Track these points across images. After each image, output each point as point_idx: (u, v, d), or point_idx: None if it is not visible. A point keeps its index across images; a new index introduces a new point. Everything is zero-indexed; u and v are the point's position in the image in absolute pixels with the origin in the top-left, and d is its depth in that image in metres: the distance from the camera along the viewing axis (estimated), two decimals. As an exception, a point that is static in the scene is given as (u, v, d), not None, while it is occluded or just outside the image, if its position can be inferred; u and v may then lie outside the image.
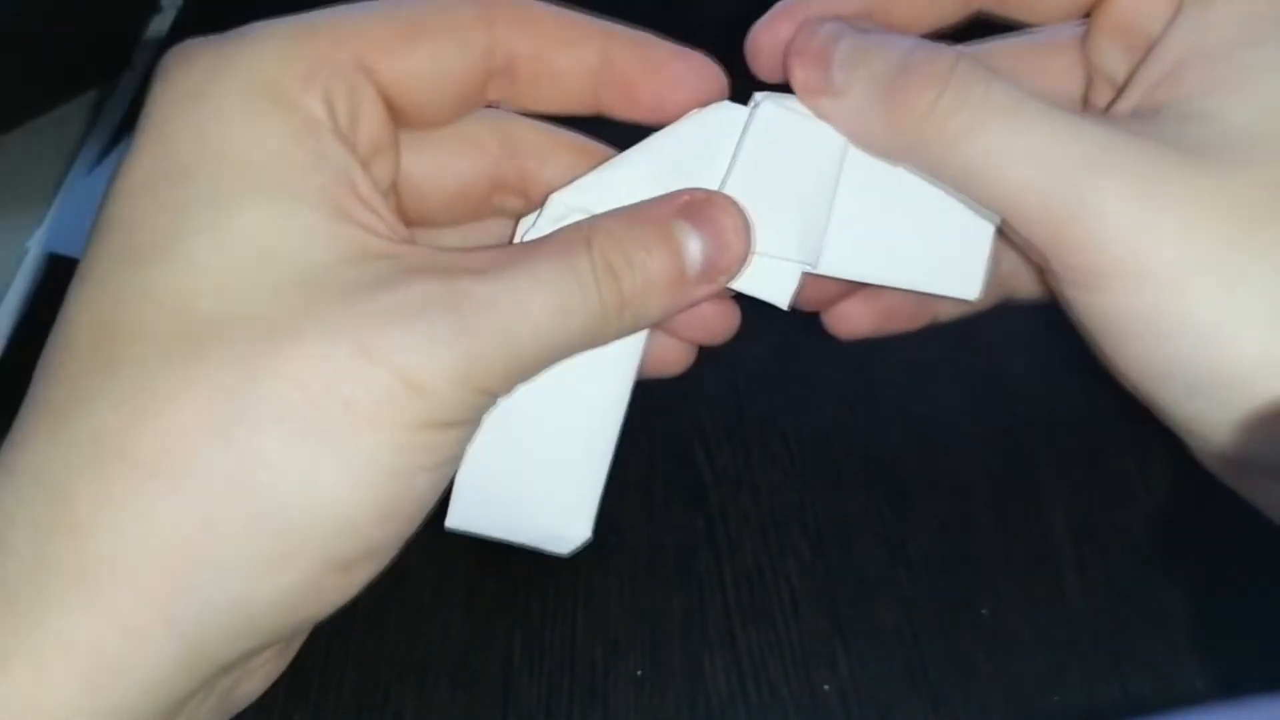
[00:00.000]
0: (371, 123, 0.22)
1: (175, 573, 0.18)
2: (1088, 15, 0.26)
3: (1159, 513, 0.35)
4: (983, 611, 0.34)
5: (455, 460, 0.21)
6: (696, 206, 0.23)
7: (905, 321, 0.28)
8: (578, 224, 0.22)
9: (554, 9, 0.23)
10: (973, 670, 0.33)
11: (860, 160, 0.24)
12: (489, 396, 0.20)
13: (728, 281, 0.23)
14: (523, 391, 0.21)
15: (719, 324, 0.25)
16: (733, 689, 0.33)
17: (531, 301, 0.20)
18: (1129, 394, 0.23)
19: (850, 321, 0.28)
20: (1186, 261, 0.20)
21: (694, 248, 0.22)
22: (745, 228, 0.23)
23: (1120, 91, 0.24)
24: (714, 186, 0.23)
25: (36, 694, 0.18)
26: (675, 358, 0.27)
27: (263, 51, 0.20)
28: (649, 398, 0.39)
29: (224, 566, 0.19)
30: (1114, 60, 0.25)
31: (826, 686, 0.33)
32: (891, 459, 0.38)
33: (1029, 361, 0.39)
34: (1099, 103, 0.26)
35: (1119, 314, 0.21)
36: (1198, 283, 0.20)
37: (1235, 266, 0.20)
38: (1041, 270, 0.24)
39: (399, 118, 0.22)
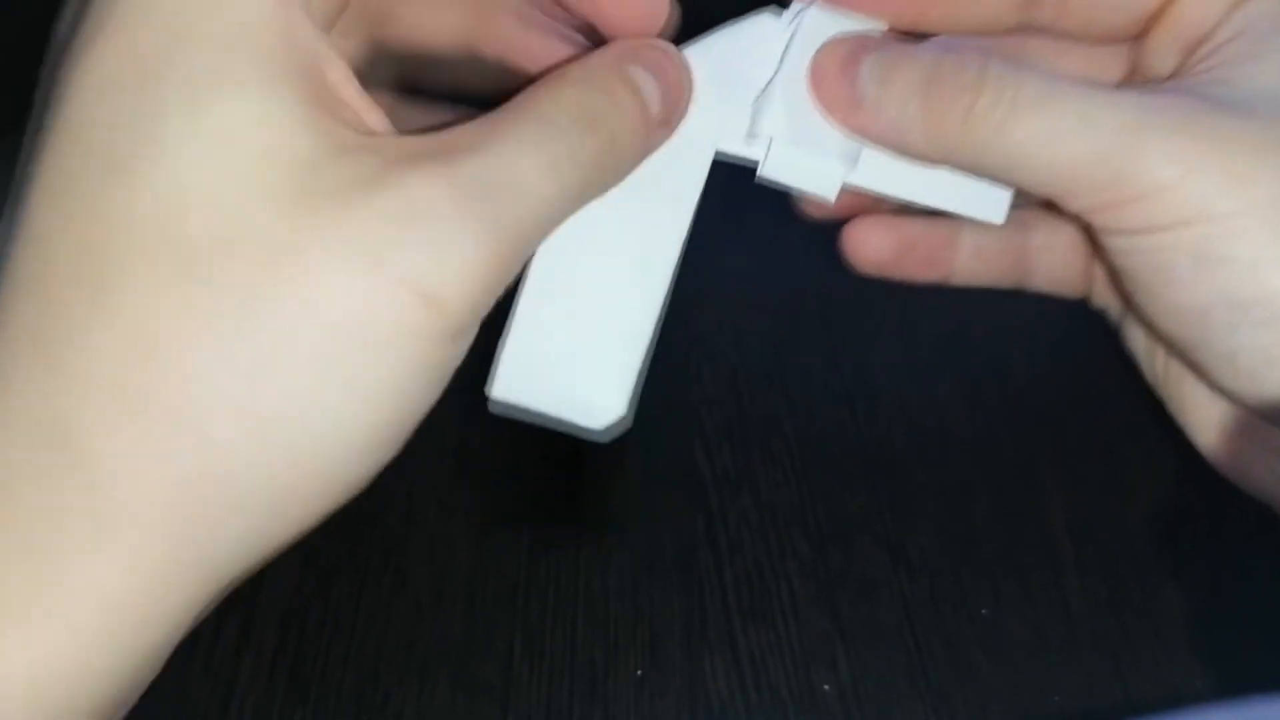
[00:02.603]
0: None
1: (193, 512, 0.18)
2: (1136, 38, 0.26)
3: (1159, 514, 0.35)
4: (983, 612, 0.34)
5: (450, 374, 0.20)
6: (640, 51, 0.22)
7: (922, 263, 0.28)
8: (541, 83, 0.21)
9: None
10: (972, 671, 0.33)
11: None
12: (495, 293, 0.19)
13: (679, 121, 0.23)
14: (571, 254, 0.21)
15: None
16: (733, 689, 0.33)
17: (531, 171, 0.19)
18: (1132, 395, 0.23)
19: (869, 246, 0.27)
20: (1233, 198, 0.21)
21: (650, 89, 0.22)
22: (685, 65, 0.23)
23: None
24: (759, 91, 0.24)
25: (61, 646, 0.17)
26: None
27: None
28: (649, 398, 0.39)
29: (241, 503, 0.18)
30: (1164, 57, 0.25)
31: (826, 686, 0.33)
32: (892, 460, 0.38)
33: (1029, 363, 0.39)
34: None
35: (1167, 252, 0.22)
36: (1244, 217, 0.21)
37: (1278, 203, 0.21)
38: (1067, 253, 0.26)
39: None
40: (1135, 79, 0.26)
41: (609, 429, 0.23)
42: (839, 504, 0.36)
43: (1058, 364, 0.39)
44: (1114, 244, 0.23)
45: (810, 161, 0.24)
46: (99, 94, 0.18)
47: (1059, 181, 0.22)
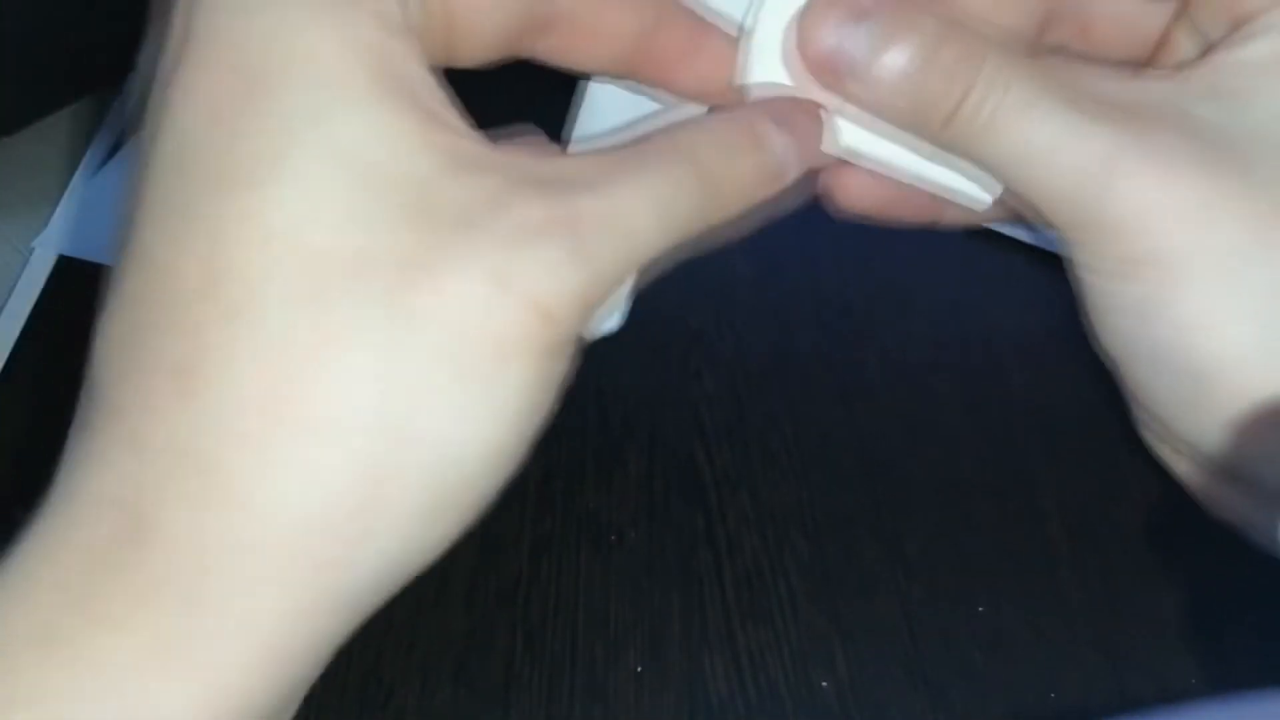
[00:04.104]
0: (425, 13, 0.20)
1: (346, 540, 0.17)
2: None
3: (1155, 511, 0.35)
4: (980, 609, 0.34)
5: (562, 383, 0.20)
6: (782, 111, 0.23)
7: (910, 211, 0.27)
8: (671, 130, 0.22)
9: None
10: (970, 668, 0.33)
11: None
12: (592, 316, 0.20)
13: (797, 175, 0.23)
14: None
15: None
16: (732, 686, 0.33)
17: (641, 215, 0.19)
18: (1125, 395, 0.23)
19: (850, 195, 0.26)
20: (1188, 250, 0.21)
21: (780, 148, 0.22)
22: (819, 122, 0.23)
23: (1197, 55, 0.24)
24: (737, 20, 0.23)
25: (219, 680, 0.17)
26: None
27: None
28: (649, 398, 0.39)
29: (391, 523, 0.17)
30: (1214, 29, 0.24)
31: (825, 684, 0.33)
32: (890, 458, 0.38)
33: (1027, 361, 0.40)
34: (1171, 58, 0.25)
35: (1116, 287, 0.22)
36: (1194, 270, 0.21)
37: (1241, 261, 0.21)
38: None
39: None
40: (1168, 52, 0.25)
41: (602, 334, 0.24)
42: (837, 503, 0.37)
43: (1055, 363, 0.39)
44: (1075, 262, 0.23)
45: None
46: (209, 112, 0.18)
47: (1031, 199, 0.22)
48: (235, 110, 0.17)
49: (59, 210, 0.50)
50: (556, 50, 0.22)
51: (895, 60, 0.22)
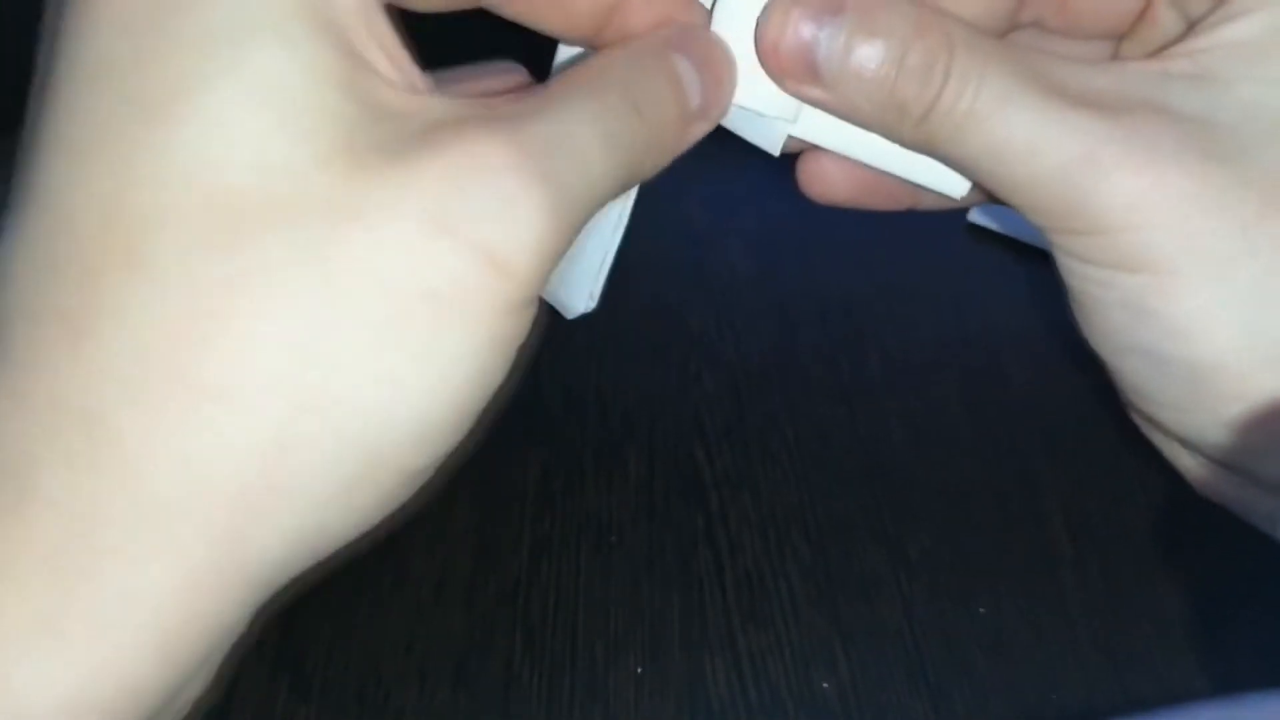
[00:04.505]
0: None
1: (246, 510, 0.16)
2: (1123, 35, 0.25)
3: (1157, 511, 0.35)
4: (981, 610, 0.34)
5: (519, 350, 0.18)
6: (688, 41, 0.21)
7: (884, 199, 0.26)
8: (588, 62, 0.20)
9: None
10: (971, 669, 0.33)
11: None
12: (555, 264, 0.18)
13: (720, 117, 0.22)
14: None
15: None
16: (732, 688, 0.33)
17: (585, 137, 0.18)
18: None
19: (825, 182, 0.25)
20: (1178, 254, 0.20)
21: (692, 81, 0.21)
22: (729, 57, 0.22)
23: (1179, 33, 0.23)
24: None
25: (99, 661, 0.15)
26: None
27: None
28: (649, 398, 0.39)
29: (299, 495, 0.16)
30: (1194, 3, 0.23)
31: (826, 685, 0.33)
32: (891, 459, 0.38)
33: (1028, 361, 0.40)
34: (1155, 30, 0.24)
35: (1104, 288, 0.21)
36: (1185, 275, 0.20)
37: (1229, 256, 0.20)
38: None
39: None
40: (1149, 25, 0.25)
41: (579, 314, 0.24)
42: (838, 504, 0.37)
43: (1057, 363, 0.39)
44: (1060, 259, 0.22)
45: (749, 112, 0.22)
46: (120, 30, 0.16)
47: (1012, 197, 0.22)
48: (150, 23, 0.16)
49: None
50: (519, 7, 0.21)
51: (863, 62, 0.21)
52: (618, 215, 0.24)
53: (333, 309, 0.16)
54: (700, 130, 0.21)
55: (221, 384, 0.15)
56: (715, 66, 0.21)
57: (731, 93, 0.22)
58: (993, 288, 0.42)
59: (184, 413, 0.15)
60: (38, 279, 0.16)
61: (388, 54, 0.17)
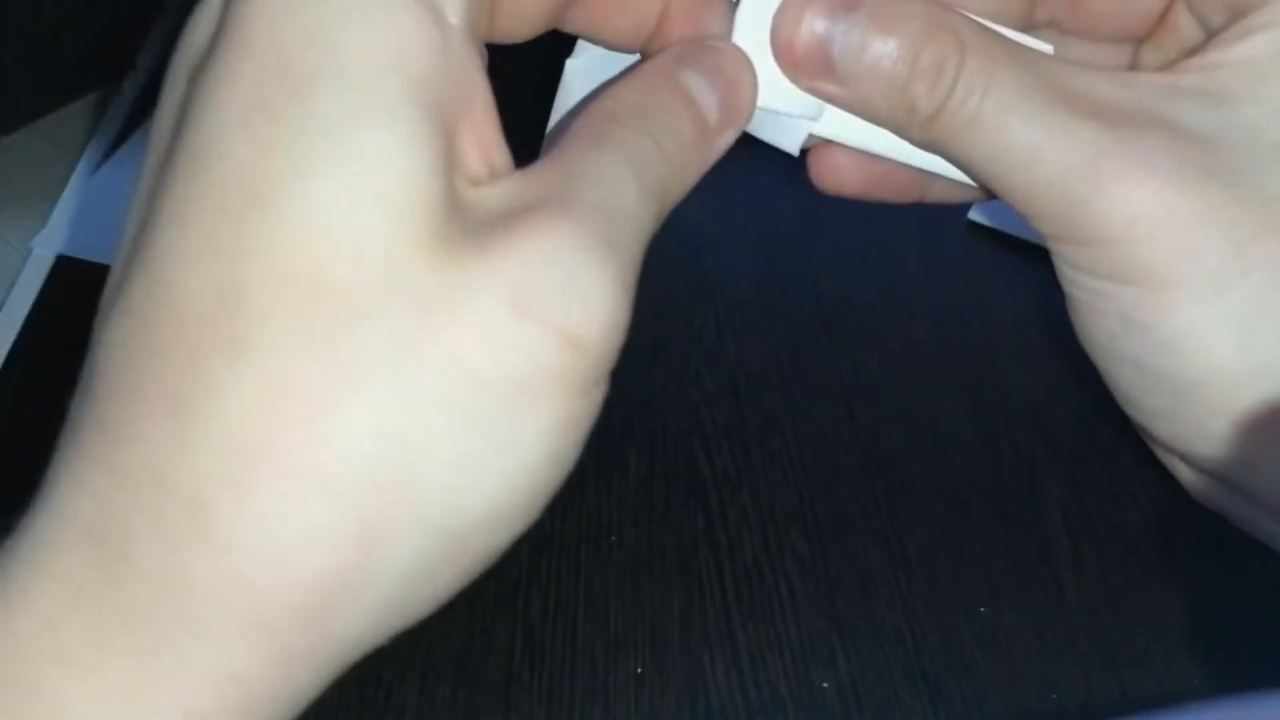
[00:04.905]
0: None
1: (333, 595, 0.16)
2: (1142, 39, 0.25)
3: (1156, 511, 0.35)
4: (981, 610, 0.34)
5: (592, 425, 0.18)
6: (697, 55, 0.21)
7: (893, 191, 0.26)
8: (596, 106, 0.20)
9: None
10: (971, 668, 0.33)
11: None
12: (624, 333, 0.18)
13: (746, 122, 0.22)
14: None
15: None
16: (732, 687, 0.33)
17: (625, 191, 0.18)
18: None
19: (837, 174, 0.25)
20: (1176, 269, 0.20)
21: (706, 94, 0.21)
22: (745, 61, 0.22)
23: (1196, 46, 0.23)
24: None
25: None
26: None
27: None
28: (649, 398, 0.39)
29: (384, 580, 0.16)
30: (1212, 13, 0.23)
31: (825, 684, 0.33)
32: (890, 458, 0.38)
33: (1027, 361, 0.39)
34: (1174, 36, 0.24)
35: (1101, 298, 0.21)
36: (1181, 291, 0.20)
37: (1225, 274, 0.20)
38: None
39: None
40: (1168, 31, 0.25)
41: None
42: (837, 503, 0.37)
43: (1056, 361, 0.39)
44: (1059, 266, 0.22)
45: (772, 113, 0.23)
46: (240, 113, 0.16)
47: (1014, 203, 0.22)
48: (266, 115, 0.16)
49: (58, 210, 0.50)
50: (588, 20, 0.21)
51: (878, 59, 0.21)
52: None
53: (422, 397, 0.16)
54: (726, 139, 0.21)
55: (310, 471, 0.16)
56: (730, 73, 0.21)
57: (753, 96, 0.22)
58: (993, 287, 0.42)
59: (276, 496, 0.16)
60: (141, 353, 0.16)
61: (487, 133, 0.18)
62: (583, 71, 0.24)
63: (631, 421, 0.39)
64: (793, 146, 0.23)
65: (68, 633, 0.16)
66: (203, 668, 0.16)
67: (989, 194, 0.24)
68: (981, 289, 0.42)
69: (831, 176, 0.25)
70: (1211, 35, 0.22)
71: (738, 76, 0.22)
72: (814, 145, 0.25)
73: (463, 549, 0.17)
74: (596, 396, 0.18)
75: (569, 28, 0.21)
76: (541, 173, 0.18)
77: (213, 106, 0.16)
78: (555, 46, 0.23)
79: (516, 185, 0.18)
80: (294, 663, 0.16)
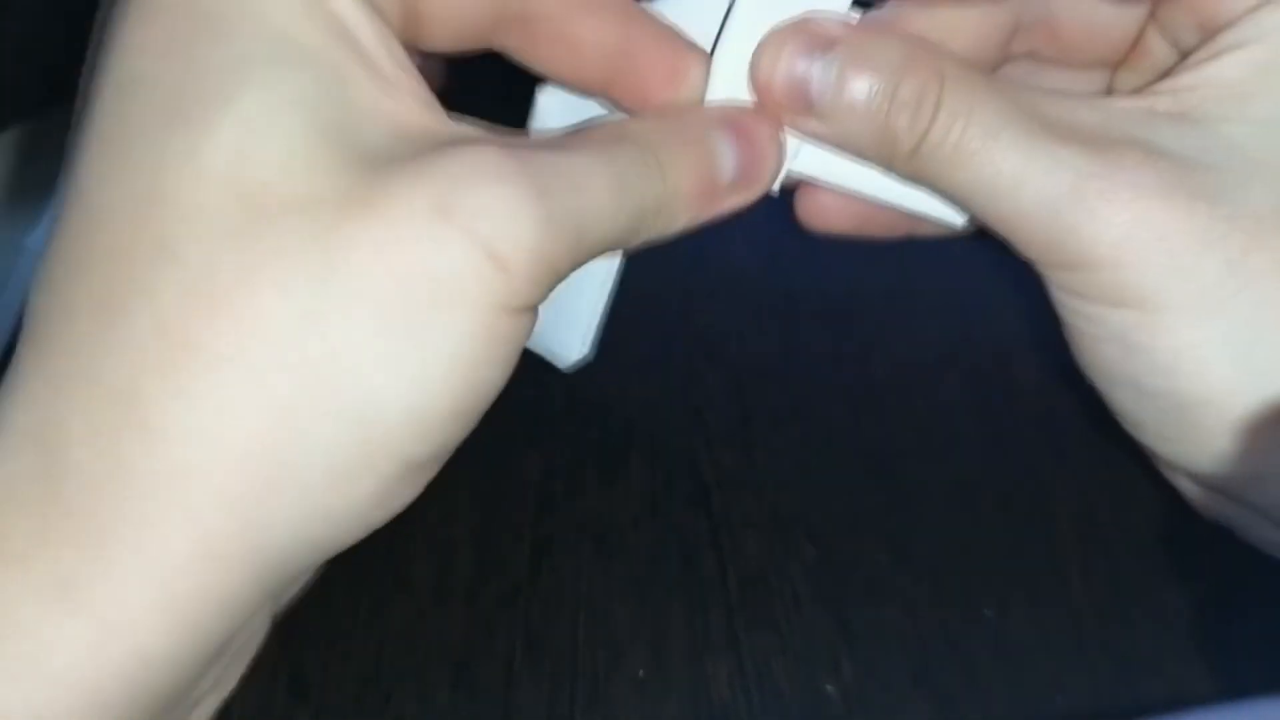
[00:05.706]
0: None
1: (257, 479, 0.17)
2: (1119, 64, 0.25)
3: (1165, 515, 0.35)
4: (987, 613, 0.34)
5: (516, 356, 0.19)
6: (731, 118, 0.22)
7: (882, 228, 0.27)
8: (611, 124, 0.21)
9: None
10: (977, 672, 0.33)
11: None
12: (554, 279, 0.19)
13: (759, 194, 0.23)
14: None
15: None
16: (735, 691, 0.33)
17: (592, 175, 0.19)
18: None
19: (824, 215, 0.26)
20: (1168, 291, 0.21)
21: (728, 158, 0.22)
22: (777, 141, 0.23)
23: (1169, 69, 0.24)
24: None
25: (115, 619, 0.16)
26: None
27: None
28: (652, 399, 0.39)
29: (304, 470, 0.17)
30: (1184, 33, 0.24)
31: (830, 688, 0.33)
32: (896, 461, 0.37)
33: (1035, 363, 0.39)
34: (1148, 59, 0.25)
35: (1095, 322, 0.22)
36: (1175, 312, 0.21)
37: (1216, 293, 0.20)
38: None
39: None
40: (1141, 54, 0.25)
41: (574, 365, 0.25)
42: (843, 506, 0.36)
43: (1064, 364, 0.39)
44: (1052, 293, 0.23)
45: None
46: (160, 48, 0.17)
47: (1002, 231, 0.22)
48: (188, 48, 0.17)
49: (52, 207, 0.49)
50: (530, 53, 0.22)
51: (856, 95, 0.22)
52: (606, 270, 0.25)
53: (338, 288, 0.17)
54: (735, 201, 0.22)
55: (232, 353, 0.16)
56: (757, 144, 0.22)
57: (776, 170, 0.23)
58: (1000, 288, 0.42)
59: (198, 380, 0.16)
60: (74, 271, 0.17)
61: (410, 81, 0.19)
62: (558, 105, 0.24)
63: (633, 423, 0.39)
64: (772, 185, 0.24)
65: (14, 538, 0.16)
66: (132, 557, 0.16)
67: (979, 226, 0.25)
68: (989, 290, 0.42)
69: (819, 217, 0.26)
70: (1184, 55, 0.23)
71: (764, 149, 0.23)
72: (799, 187, 0.25)
73: (382, 450, 0.18)
74: (519, 322, 0.18)
75: (515, 57, 0.22)
76: (512, 133, 0.19)
77: (131, 45, 0.18)
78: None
79: (473, 128, 0.19)
80: (222, 553, 0.17)
